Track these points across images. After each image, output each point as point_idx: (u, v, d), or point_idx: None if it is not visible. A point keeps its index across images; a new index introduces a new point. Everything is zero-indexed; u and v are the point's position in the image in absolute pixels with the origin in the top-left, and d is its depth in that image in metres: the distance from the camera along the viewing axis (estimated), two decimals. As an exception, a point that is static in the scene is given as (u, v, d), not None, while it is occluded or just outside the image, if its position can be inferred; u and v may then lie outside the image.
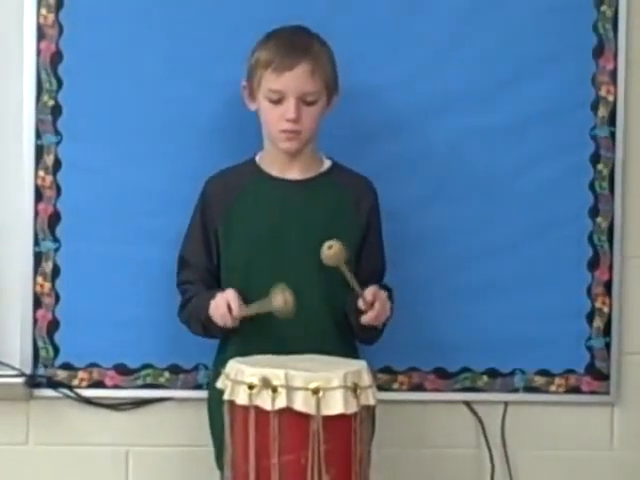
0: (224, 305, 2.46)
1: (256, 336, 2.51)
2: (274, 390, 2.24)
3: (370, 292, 2.46)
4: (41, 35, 2.78)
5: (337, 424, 2.26)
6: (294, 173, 2.60)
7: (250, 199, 2.59)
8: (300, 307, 2.47)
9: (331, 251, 2.40)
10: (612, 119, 2.86)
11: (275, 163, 2.60)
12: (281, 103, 2.50)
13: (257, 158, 2.64)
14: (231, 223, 2.59)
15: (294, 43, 2.50)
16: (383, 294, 2.49)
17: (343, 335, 2.58)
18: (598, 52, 2.85)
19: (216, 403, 2.43)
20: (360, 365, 2.35)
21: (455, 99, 2.86)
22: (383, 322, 2.52)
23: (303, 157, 2.59)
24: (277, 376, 2.24)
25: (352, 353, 2.56)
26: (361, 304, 2.46)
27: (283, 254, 2.55)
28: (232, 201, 2.60)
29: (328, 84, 2.54)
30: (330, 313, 2.55)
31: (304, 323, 2.50)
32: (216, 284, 2.58)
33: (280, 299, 2.44)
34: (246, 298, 2.48)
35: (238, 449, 2.31)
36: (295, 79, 2.48)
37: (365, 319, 2.46)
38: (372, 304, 2.45)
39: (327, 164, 2.64)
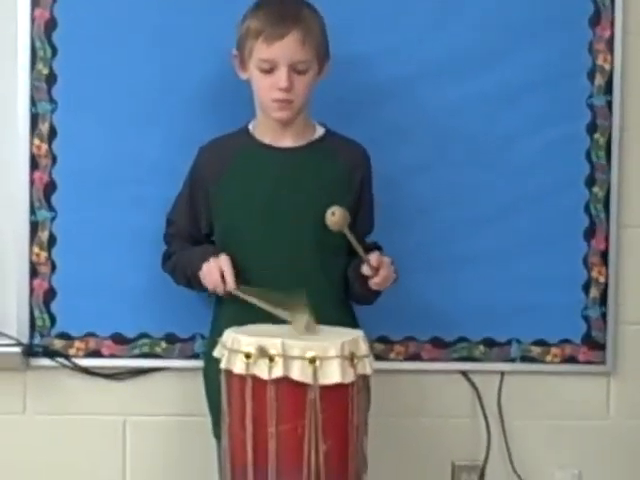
0: (217, 272, 2.47)
1: (251, 310, 2.49)
2: (271, 359, 2.24)
3: (375, 258, 2.47)
4: (35, 2, 2.77)
5: (334, 393, 2.27)
6: (287, 141, 2.60)
7: (243, 167, 2.59)
8: (295, 275, 2.49)
9: (335, 217, 2.42)
10: (609, 88, 2.86)
11: (268, 132, 2.60)
12: (272, 72, 2.49)
13: (250, 127, 2.64)
14: (223, 191, 2.59)
15: (284, 12, 2.49)
16: (387, 259, 2.50)
17: (340, 303, 2.59)
18: (595, 20, 2.85)
19: (213, 372, 2.44)
20: (357, 334, 2.36)
21: (450, 66, 2.85)
22: (389, 285, 2.53)
23: (295, 125, 2.59)
24: (274, 345, 2.25)
25: (350, 321, 2.58)
26: (365, 270, 2.47)
27: (276, 222, 2.55)
28: (225, 169, 2.60)
29: (319, 52, 2.53)
30: (326, 280, 2.56)
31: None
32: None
33: (301, 326, 2.40)
34: (238, 266, 2.49)
35: (235, 418, 2.32)
36: (286, 48, 2.47)
37: (372, 284, 2.48)
38: (377, 269, 2.46)
39: (320, 131, 2.64)
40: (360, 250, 2.47)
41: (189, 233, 2.63)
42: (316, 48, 2.52)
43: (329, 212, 2.42)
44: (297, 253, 2.52)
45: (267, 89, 2.51)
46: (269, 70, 2.50)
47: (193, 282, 2.57)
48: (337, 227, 2.43)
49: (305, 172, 2.58)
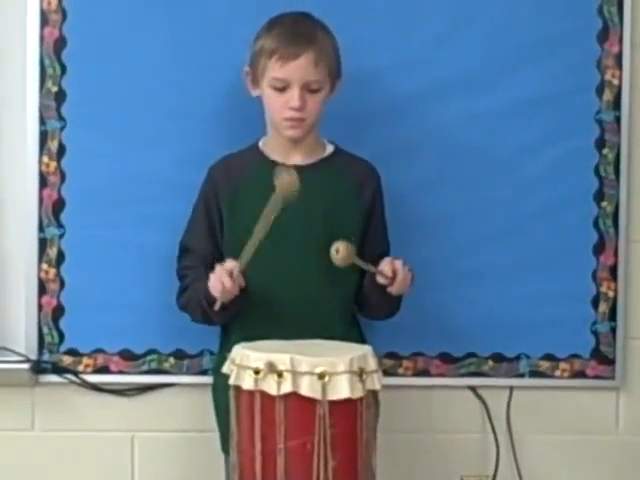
0: (224, 274, 2.42)
1: (260, 321, 2.53)
2: (280, 375, 2.25)
3: (387, 267, 2.47)
4: (44, 21, 2.79)
5: (343, 409, 2.27)
6: (297, 159, 2.60)
7: (253, 185, 2.59)
8: (304, 292, 2.50)
9: (339, 254, 2.43)
10: (617, 103, 2.86)
11: (278, 149, 2.61)
12: (285, 91, 2.50)
13: (260, 144, 2.65)
14: (235, 209, 2.60)
15: (298, 32, 2.51)
16: (398, 262, 2.49)
17: (348, 319, 2.60)
18: (603, 36, 2.85)
19: (222, 388, 2.44)
20: (366, 350, 2.36)
21: (459, 83, 2.86)
22: (408, 288, 2.53)
23: (306, 143, 2.60)
24: (283, 361, 2.25)
25: (358, 337, 2.59)
26: (381, 280, 2.48)
27: (286, 239, 2.55)
28: (236, 187, 2.61)
29: (331, 71, 2.55)
30: (334, 297, 2.57)
31: (308, 308, 2.53)
32: None
33: (285, 180, 2.39)
34: (247, 283, 2.48)
35: (244, 434, 2.33)
36: (299, 68, 2.49)
37: (392, 290, 2.48)
38: (394, 276, 2.47)
39: (330, 149, 2.65)
40: (371, 268, 2.48)
41: (209, 253, 2.60)
42: (329, 68, 2.53)
43: (333, 250, 2.43)
44: (306, 271, 2.53)
45: (279, 107, 2.53)
46: (282, 89, 2.51)
47: (206, 308, 2.52)
48: (344, 262, 2.44)
49: (314, 190, 2.57)
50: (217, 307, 2.47)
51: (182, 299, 2.64)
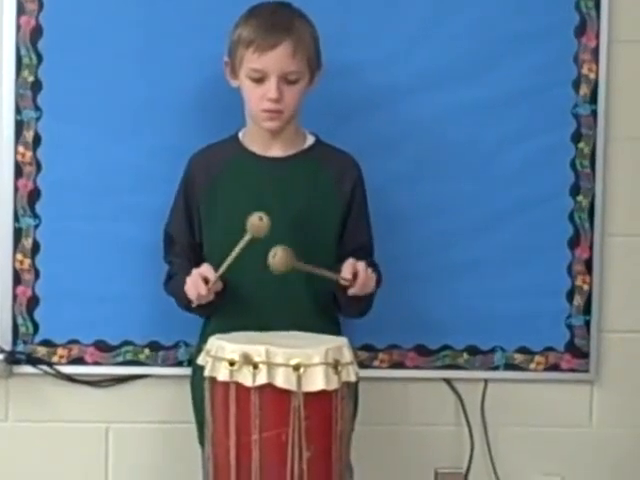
0: (198, 279, 2.45)
1: (238, 314, 2.53)
2: (255, 366, 2.25)
3: (347, 269, 2.46)
4: (21, 10, 2.79)
5: (318, 400, 2.28)
6: (276, 150, 2.60)
7: (233, 176, 2.60)
8: (282, 285, 2.49)
9: (275, 259, 2.39)
10: (594, 97, 2.88)
11: (257, 140, 2.61)
12: (263, 82, 2.49)
13: (240, 135, 2.64)
14: (214, 200, 2.60)
15: (275, 21, 2.49)
16: (360, 264, 2.47)
17: (325, 311, 2.59)
18: (580, 30, 2.87)
19: (198, 380, 2.44)
20: (341, 342, 2.36)
21: (438, 77, 2.87)
22: (368, 296, 2.53)
23: (285, 134, 2.59)
24: (258, 352, 2.26)
25: (334, 329, 2.58)
26: (342, 281, 2.46)
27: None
28: (215, 178, 2.61)
29: (310, 62, 2.53)
30: (311, 290, 2.56)
31: (286, 300, 2.53)
32: (200, 260, 2.58)
33: (255, 223, 2.41)
34: (224, 278, 2.49)
35: (219, 425, 2.33)
36: (277, 59, 2.47)
37: (352, 292, 2.47)
38: (354, 278, 2.45)
39: (310, 141, 2.65)
40: (325, 273, 2.47)
41: (189, 244, 2.62)
42: (307, 58, 2.52)
43: (270, 254, 2.39)
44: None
45: (257, 99, 2.52)
46: (259, 80, 2.50)
47: (186, 304, 2.54)
48: (282, 268, 2.40)
49: (293, 182, 2.59)
50: (194, 305, 2.50)
51: (168, 287, 2.66)
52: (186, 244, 2.63)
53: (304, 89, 2.55)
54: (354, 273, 2.46)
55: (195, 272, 2.48)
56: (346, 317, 2.65)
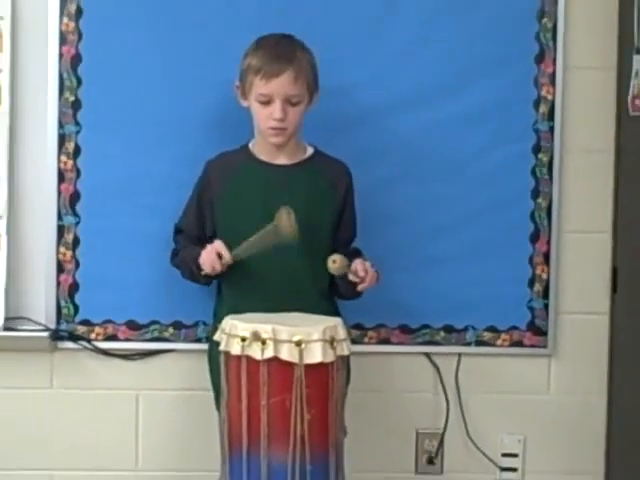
0: (214, 252, 2.47)
1: (248, 297, 2.53)
2: (263, 342, 2.28)
3: (361, 267, 2.49)
4: (63, 40, 2.79)
5: (317, 371, 2.30)
6: (281, 159, 2.60)
7: (243, 181, 2.60)
8: (287, 272, 2.51)
9: (336, 264, 2.45)
10: (551, 115, 2.87)
11: (264, 151, 2.61)
12: (269, 104, 2.49)
13: (250, 145, 2.64)
14: (226, 200, 2.60)
15: (280, 52, 2.49)
16: (369, 265, 2.51)
17: (324, 295, 2.59)
18: (540, 58, 2.87)
19: (215, 354, 2.45)
20: (336, 321, 2.38)
21: (418, 96, 2.86)
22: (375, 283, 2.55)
23: (288, 147, 2.60)
24: (266, 330, 2.28)
25: (332, 310, 2.59)
26: (353, 278, 2.50)
27: None
28: (229, 180, 2.60)
29: (310, 86, 2.54)
30: (312, 276, 2.56)
31: (289, 286, 2.53)
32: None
33: (286, 223, 2.42)
34: (236, 272, 2.51)
35: (232, 393, 2.34)
36: (281, 85, 2.48)
37: (361, 288, 2.51)
38: (364, 278, 2.49)
39: (310, 151, 2.64)
40: (356, 279, 2.49)
41: (196, 236, 2.62)
42: (307, 83, 2.52)
43: (330, 259, 2.45)
44: (287, 255, 2.51)
45: (264, 118, 2.52)
46: (266, 102, 2.50)
47: (195, 272, 2.55)
48: (338, 272, 2.46)
49: (296, 186, 2.59)
50: (203, 274, 2.52)
51: (175, 260, 2.67)
52: (193, 235, 2.63)
53: (304, 109, 2.55)
54: (365, 271, 2.48)
55: (210, 247, 2.49)
56: (341, 299, 2.65)
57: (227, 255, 2.48)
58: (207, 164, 2.66)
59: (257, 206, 2.56)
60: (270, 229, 2.44)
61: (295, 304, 2.49)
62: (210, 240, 2.59)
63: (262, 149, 2.62)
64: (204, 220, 2.63)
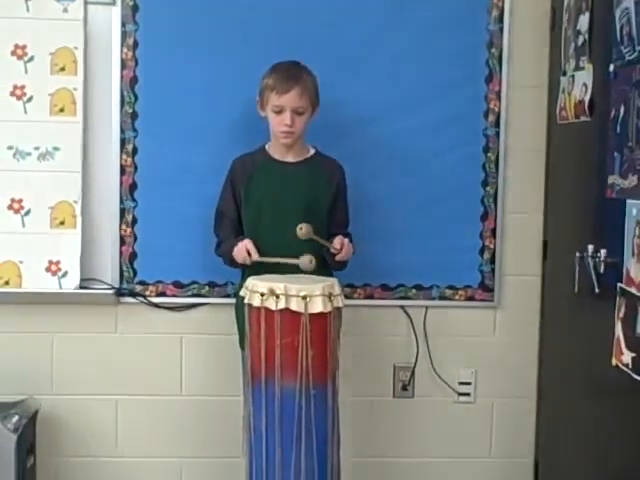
0: (244, 249, 2.51)
1: (265, 266, 2.54)
2: (277, 297, 2.31)
3: (338, 242, 2.51)
4: (123, 65, 2.80)
5: (318, 319, 2.33)
6: (290, 158, 2.62)
7: (261, 174, 2.61)
8: (293, 245, 2.50)
9: (302, 231, 2.45)
10: (497, 123, 2.88)
11: (277, 151, 2.63)
12: (281, 114, 2.53)
13: (266, 146, 2.66)
14: (248, 190, 2.61)
15: (290, 75, 2.52)
16: (346, 241, 2.53)
17: (321, 263, 2.59)
18: (489, 79, 2.87)
19: (240, 306, 2.48)
20: (333, 281, 2.42)
21: (393, 109, 2.85)
22: (350, 256, 2.58)
23: (295, 148, 2.61)
24: (279, 287, 2.32)
25: (328, 274, 2.59)
26: (333, 250, 2.53)
27: (281, 211, 2.56)
28: (249, 176, 2.61)
29: (312, 101, 2.57)
30: (311, 248, 2.52)
31: (292, 255, 2.51)
32: (240, 228, 2.62)
33: (307, 263, 2.44)
34: (256, 243, 2.53)
35: (254, 335, 2.37)
36: (290, 99, 2.51)
37: (338, 257, 2.53)
38: (341, 249, 2.52)
39: (311, 152, 2.65)
40: (327, 244, 2.50)
41: (235, 217, 2.62)
42: (310, 99, 2.55)
43: (298, 227, 2.43)
44: (292, 231, 2.49)
45: (277, 124, 2.55)
46: (279, 112, 2.53)
47: (232, 262, 2.58)
48: (304, 237, 2.45)
49: (300, 179, 2.60)
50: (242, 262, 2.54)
51: (217, 251, 2.68)
52: (234, 217, 2.64)
53: (308, 118, 2.57)
54: (342, 245, 2.51)
55: (242, 245, 2.52)
56: (334, 270, 2.66)
57: (255, 255, 2.50)
58: (233, 162, 2.67)
59: (271, 195, 2.59)
60: (292, 264, 2.45)
61: (299, 270, 2.49)
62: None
63: (275, 150, 2.64)
64: (237, 205, 2.65)
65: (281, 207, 2.57)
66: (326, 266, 2.63)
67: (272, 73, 2.55)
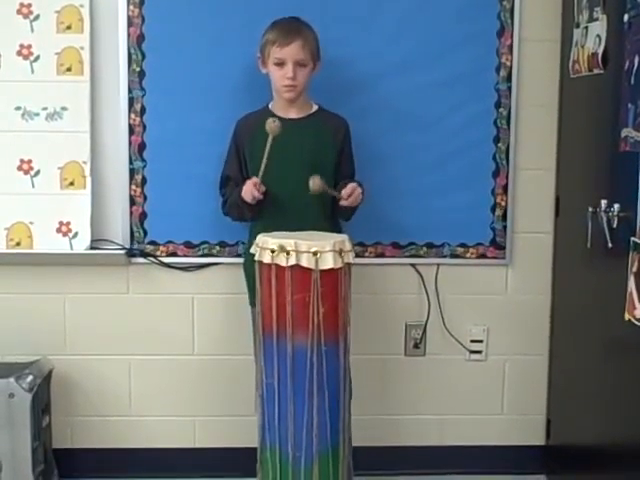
0: (251, 185, 2.51)
1: (274, 220, 2.55)
2: (287, 253, 2.31)
3: (345, 192, 2.51)
4: (130, 23, 2.77)
5: (329, 275, 2.33)
6: (292, 114, 2.62)
7: (265, 132, 2.57)
8: (301, 201, 2.52)
9: (315, 184, 2.45)
10: (509, 78, 2.85)
11: (280, 108, 2.62)
12: (283, 67, 2.53)
13: (270, 105, 2.66)
14: (252, 147, 2.61)
15: (290, 28, 2.54)
16: (354, 184, 2.53)
17: (330, 218, 2.62)
18: (500, 33, 2.84)
19: (250, 263, 2.48)
20: (344, 237, 2.42)
21: (403, 65, 2.82)
22: (357, 204, 2.56)
23: (298, 103, 2.61)
24: (289, 244, 2.31)
25: (338, 230, 2.62)
26: (343, 201, 2.52)
27: (286, 167, 2.56)
28: (253, 133, 2.60)
29: (313, 54, 2.56)
30: (320, 203, 2.57)
31: (304, 211, 2.55)
32: None
33: (271, 125, 2.44)
34: (265, 192, 2.52)
35: (264, 292, 2.38)
36: (292, 51, 2.51)
37: (344, 203, 2.53)
38: (349, 196, 2.51)
39: (315, 108, 2.65)
40: (336, 194, 2.50)
41: (240, 179, 2.62)
42: (311, 51, 2.55)
43: (310, 180, 2.43)
44: (299, 186, 2.51)
45: (279, 78, 2.55)
46: (281, 65, 2.53)
47: (241, 208, 2.56)
48: (317, 191, 2.45)
49: (304, 134, 2.60)
50: (252, 202, 2.52)
51: (224, 209, 2.69)
52: (238, 178, 2.64)
53: (310, 72, 2.57)
54: (352, 191, 2.50)
55: (246, 183, 2.53)
56: (342, 220, 2.67)
57: (257, 180, 2.49)
58: (237, 122, 2.67)
59: (277, 150, 2.55)
60: (270, 141, 2.44)
61: (308, 225, 2.51)
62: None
63: (278, 106, 2.64)
64: (241, 165, 2.65)
65: (286, 163, 2.56)
66: (333, 220, 2.64)
67: (273, 28, 2.56)
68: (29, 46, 2.75)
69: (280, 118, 2.58)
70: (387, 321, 2.95)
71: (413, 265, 2.93)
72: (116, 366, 2.92)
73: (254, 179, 2.53)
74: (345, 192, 2.52)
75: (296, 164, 2.57)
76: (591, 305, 2.61)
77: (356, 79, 2.81)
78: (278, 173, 2.56)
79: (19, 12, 2.75)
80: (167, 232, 2.87)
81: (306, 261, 2.30)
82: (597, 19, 2.51)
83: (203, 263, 2.89)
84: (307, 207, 2.56)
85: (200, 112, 2.82)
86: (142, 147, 2.83)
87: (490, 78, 2.86)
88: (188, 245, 2.88)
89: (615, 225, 2.34)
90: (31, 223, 2.80)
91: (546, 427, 3.02)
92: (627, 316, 2.25)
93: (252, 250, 2.42)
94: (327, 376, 2.33)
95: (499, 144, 2.89)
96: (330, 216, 2.63)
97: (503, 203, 2.91)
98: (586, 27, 2.60)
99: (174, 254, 2.88)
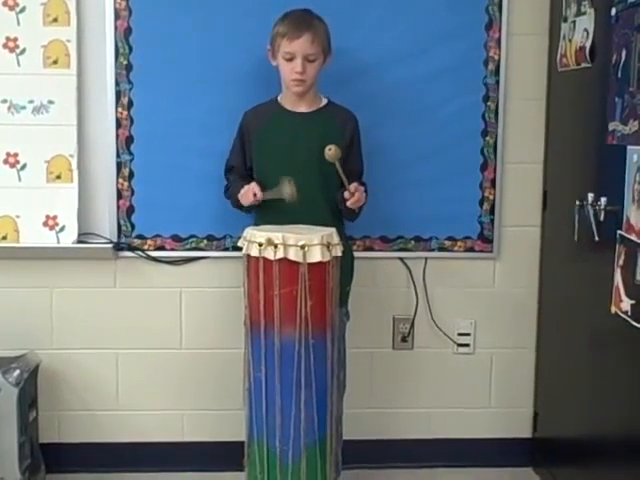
0: (250, 191, 2.51)
1: (273, 215, 2.55)
2: (275, 246, 2.31)
3: (353, 186, 2.50)
4: (117, 15, 2.75)
5: (317, 268, 2.33)
6: (302, 108, 2.60)
7: (273, 125, 2.59)
8: (306, 195, 2.50)
9: (331, 151, 2.42)
10: (497, 71, 2.84)
11: (289, 101, 2.61)
12: (292, 61, 2.51)
13: (278, 98, 2.63)
14: (260, 140, 2.60)
15: (300, 21, 2.51)
16: (361, 188, 2.53)
17: (333, 212, 2.61)
18: (488, 26, 2.84)
19: None
20: (332, 230, 2.40)
21: (392, 57, 2.81)
22: (360, 207, 2.56)
23: (307, 97, 2.59)
24: (277, 237, 2.31)
25: (339, 224, 2.59)
26: (347, 195, 2.50)
27: (293, 161, 2.56)
28: (261, 126, 2.60)
29: (324, 48, 2.54)
30: (325, 198, 2.58)
31: (305, 205, 2.53)
32: (250, 179, 2.61)
33: (287, 190, 2.45)
34: (265, 187, 2.52)
35: (252, 285, 2.37)
36: (301, 45, 2.49)
37: (348, 203, 2.51)
38: (354, 194, 2.50)
39: (324, 101, 2.63)
40: (344, 179, 2.47)
41: (243, 168, 2.64)
42: (321, 46, 2.53)
43: (327, 148, 2.42)
44: (306, 181, 2.51)
45: (288, 72, 2.53)
46: (290, 59, 2.51)
47: (237, 201, 2.59)
48: (332, 159, 2.43)
49: (313, 128, 2.58)
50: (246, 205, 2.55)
51: (226, 194, 2.69)
52: (242, 169, 2.65)
53: (319, 66, 2.55)
54: (355, 192, 2.48)
55: (247, 187, 2.52)
56: (346, 220, 2.66)
57: (259, 195, 2.50)
58: (244, 114, 2.65)
59: (283, 145, 2.58)
60: (277, 191, 2.46)
61: (310, 220, 2.49)
62: (251, 171, 2.62)
63: (287, 100, 2.62)
64: (245, 158, 2.65)
65: (294, 158, 2.56)
66: (337, 214, 2.62)
67: (284, 21, 2.53)
68: (15, 39, 2.74)
69: (289, 111, 2.58)
70: (375, 314, 2.94)
71: (401, 259, 2.93)
72: (104, 360, 2.90)
73: (255, 187, 2.52)
74: (353, 185, 2.50)
75: (303, 159, 2.55)
76: (578, 298, 2.62)
77: (342, 72, 2.77)
78: (285, 168, 2.54)
79: (5, 4, 2.74)
80: (154, 226, 2.85)
81: (294, 254, 2.30)
82: (585, 13, 2.52)
83: (191, 257, 2.88)
84: (314, 202, 2.55)
85: (187, 105, 2.80)
86: (129, 140, 2.81)
87: (478, 71, 2.85)
88: (176, 239, 2.87)
89: (602, 218, 2.34)
90: (17, 217, 2.79)
91: (533, 420, 3.03)
92: (614, 309, 2.26)
93: (239, 243, 2.42)
94: (315, 369, 2.34)
95: (487, 138, 2.89)
96: (334, 210, 2.61)
97: (491, 197, 2.91)
98: (574, 21, 2.60)
99: (162, 248, 2.87)
